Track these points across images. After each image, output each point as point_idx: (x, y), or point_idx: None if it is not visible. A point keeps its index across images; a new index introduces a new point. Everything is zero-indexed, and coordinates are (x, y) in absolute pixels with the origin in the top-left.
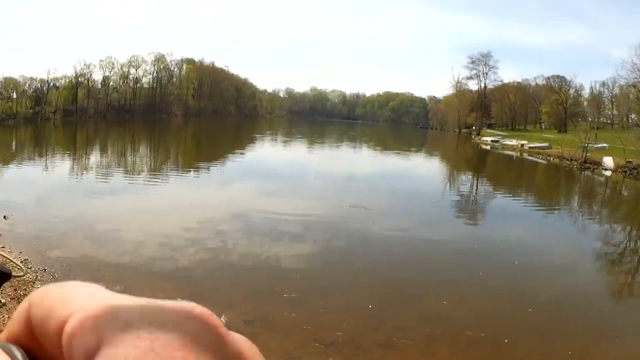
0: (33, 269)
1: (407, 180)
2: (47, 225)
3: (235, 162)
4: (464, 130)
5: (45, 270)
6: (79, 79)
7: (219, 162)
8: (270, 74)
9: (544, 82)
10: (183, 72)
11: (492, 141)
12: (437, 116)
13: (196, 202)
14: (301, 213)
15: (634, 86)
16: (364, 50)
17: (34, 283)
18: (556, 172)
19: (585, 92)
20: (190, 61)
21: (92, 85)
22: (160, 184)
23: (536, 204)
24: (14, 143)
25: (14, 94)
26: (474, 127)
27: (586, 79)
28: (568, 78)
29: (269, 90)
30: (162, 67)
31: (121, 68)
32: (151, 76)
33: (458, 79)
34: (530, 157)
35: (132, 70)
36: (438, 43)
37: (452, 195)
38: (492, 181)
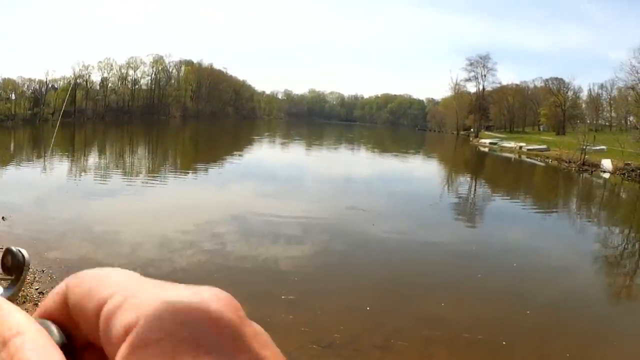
0: (31, 270)
1: (405, 182)
2: (46, 226)
3: (234, 164)
4: (462, 133)
5: (43, 271)
6: (78, 80)
7: (217, 164)
8: (269, 75)
9: (543, 84)
10: (181, 74)
11: (490, 143)
12: (435, 118)
13: (194, 204)
14: (299, 215)
15: (633, 88)
16: (363, 52)
17: (32, 284)
18: (554, 175)
19: (584, 95)
20: (188, 63)
21: (91, 87)
22: (159, 185)
23: (534, 206)
24: (12, 144)
25: (13, 95)
26: (472, 129)
27: (585, 81)
28: (566, 80)
29: (267, 92)
30: (160, 68)
31: (119, 69)
32: (149, 78)
33: (456, 81)
34: (528, 160)
35: (131, 72)
36: (436, 45)
37: (450, 198)
38: (490, 183)
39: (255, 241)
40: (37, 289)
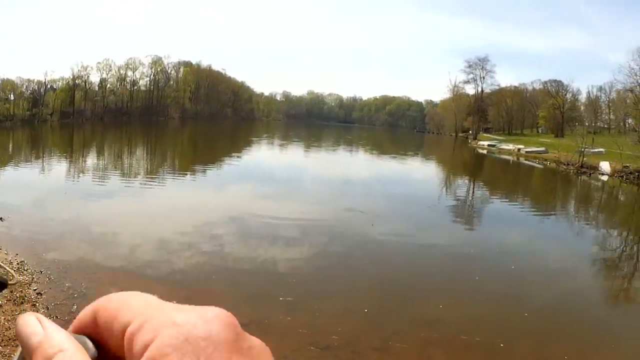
0: (29, 270)
1: (403, 184)
2: (44, 227)
3: (232, 166)
4: (460, 135)
5: (41, 272)
6: (76, 81)
7: (216, 165)
8: (267, 77)
9: (541, 86)
10: (180, 75)
11: (488, 145)
12: (433, 120)
13: (192, 206)
14: (297, 217)
15: (631, 91)
16: (361, 54)
17: (30, 285)
18: (553, 177)
19: (582, 97)
20: (187, 64)
21: (89, 88)
22: (157, 186)
23: (532, 209)
24: (10, 145)
25: (11, 95)
26: (470, 131)
27: (583, 83)
28: (565, 82)
29: (266, 93)
30: (159, 69)
31: (118, 70)
32: (148, 79)
33: (455, 83)
34: (526, 162)
35: (130, 73)
36: (435, 47)
37: (448, 200)
38: (488, 185)
39: (254, 243)
40: (35, 290)
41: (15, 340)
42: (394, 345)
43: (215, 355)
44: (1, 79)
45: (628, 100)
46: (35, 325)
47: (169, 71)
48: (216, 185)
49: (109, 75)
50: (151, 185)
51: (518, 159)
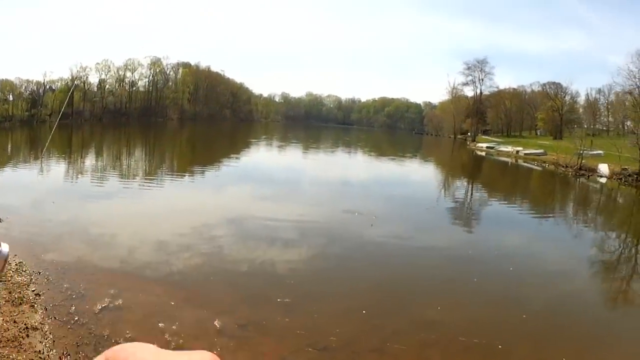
0: (28, 272)
1: (402, 186)
2: (42, 228)
3: (231, 167)
4: (459, 136)
5: (40, 273)
6: (75, 82)
7: (214, 167)
8: (266, 78)
9: (540, 88)
10: (179, 76)
11: (487, 147)
12: (432, 122)
13: (191, 207)
14: (296, 218)
15: (630, 93)
16: (360, 55)
17: (28, 286)
18: (551, 179)
19: (581, 99)
20: (186, 65)
21: (88, 88)
22: (155, 188)
23: (531, 211)
24: (9, 146)
25: (10, 96)
26: (469, 133)
27: (582, 85)
28: (564, 85)
29: (265, 94)
30: (158, 70)
31: (117, 71)
32: (147, 80)
33: (454, 84)
34: (525, 164)
35: (128, 74)
36: (434, 49)
37: (447, 202)
38: (487, 187)
39: (252, 244)
40: (33, 291)
41: (14, 340)
42: (392, 346)
43: None
44: (0, 80)
45: (627, 103)
46: None
47: (167, 72)
48: (215, 186)
49: (107, 76)
50: (150, 186)
51: (517, 161)
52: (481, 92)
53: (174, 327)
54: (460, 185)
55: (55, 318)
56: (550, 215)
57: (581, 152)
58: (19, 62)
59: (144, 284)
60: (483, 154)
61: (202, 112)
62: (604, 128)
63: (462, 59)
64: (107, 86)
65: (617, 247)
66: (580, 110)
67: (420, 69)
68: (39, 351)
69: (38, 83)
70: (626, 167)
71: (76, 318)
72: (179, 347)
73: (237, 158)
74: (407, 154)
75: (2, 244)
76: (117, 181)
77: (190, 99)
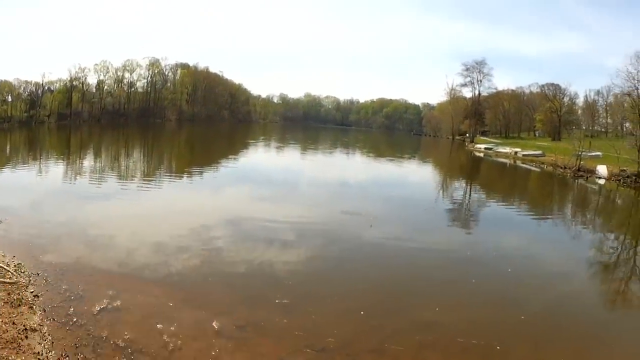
0: (26, 273)
1: (400, 187)
2: (41, 229)
3: (229, 168)
4: (457, 137)
5: (38, 274)
6: (74, 83)
7: (213, 168)
8: (265, 79)
9: (539, 90)
10: (177, 77)
11: (485, 148)
12: (430, 123)
13: (189, 208)
14: (294, 220)
15: (629, 95)
16: (359, 56)
17: (27, 287)
18: (549, 180)
19: (580, 101)
20: (184, 66)
21: (87, 89)
22: (154, 189)
23: (529, 212)
24: (8, 147)
25: (9, 97)
26: (467, 134)
27: (581, 87)
28: (562, 86)
29: (263, 95)
30: (156, 71)
31: (116, 72)
32: (145, 80)
33: (452, 86)
34: (523, 165)
35: (127, 75)
36: (433, 50)
37: (445, 203)
38: (485, 189)
39: (250, 245)
40: (32, 292)
41: (13, 342)
42: (390, 347)
43: None
44: None
45: (625, 104)
46: None
47: (166, 73)
48: (213, 187)
49: (106, 77)
50: (148, 187)
51: (515, 162)
52: (479, 94)
53: (172, 328)
54: (459, 187)
55: (54, 319)
56: (549, 216)
57: (580, 153)
58: (17, 63)
59: (143, 285)
60: (481, 155)
61: (201, 113)
62: (603, 129)
63: (460, 60)
64: (105, 87)
65: (615, 249)
66: (579, 111)
67: (419, 70)
68: (38, 352)
69: (37, 84)
70: (625, 168)
71: (75, 319)
72: (177, 349)
73: (235, 159)
74: (406, 155)
75: None
76: (116, 182)
77: (188, 100)
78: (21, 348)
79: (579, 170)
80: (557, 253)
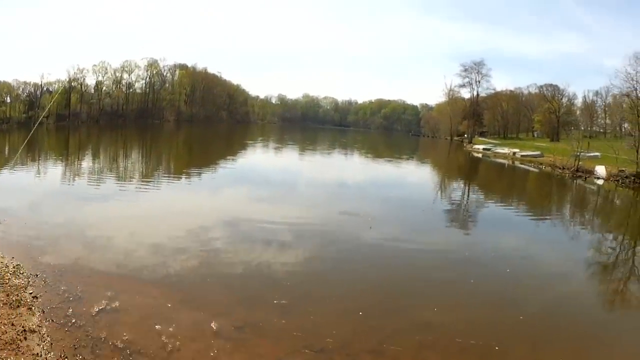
0: (25, 274)
1: (398, 187)
2: (40, 230)
3: (227, 169)
4: (455, 138)
5: (37, 275)
6: (72, 84)
7: (211, 169)
8: (263, 80)
9: (537, 90)
10: (176, 78)
11: (483, 149)
12: (429, 124)
13: (187, 209)
14: (292, 221)
15: (628, 95)
16: (357, 57)
17: (25, 288)
18: (548, 181)
19: (578, 101)
20: (183, 67)
21: (85, 90)
22: (152, 190)
23: (528, 213)
24: (7, 148)
25: (8, 98)
26: (465, 135)
27: (579, 88)
28: (561, 87)
29: (261, 96)
30: (155, 72)
31: (114, 73)
32: (144, 81)
33: (450, 86)
34: (522, 166)
35: (125, 75)
36: (432, 51)
37: (443, 203)
38: (483, 189)
39: (248, 246)
40: (31, 293)
41: (12, 343)
42: (388, 347)
43: None
44: None
45: (624, 105)
46: None
47: (164, 74)
48: (211, 188)
49: (104, 77)
50: (146, 188)
51: (513, 162)
52: (478, 94)
53: (170, 329)
54: (457, 187)
55: (52, 320)
56: (547, 217)
57: (578, 154)
58: (16, 63)
59: (141, 286)
60: (479, 155)
61: (199, 114)
62: (601, 130)
63: (459, 61)
64: (104, 88)
65: (613, 249)
66: (578, 112)
67: (419, 71)
68: (37, 354)
69: (35, 85)
70: (623, 169)
71: (73, 320)
72: (175, 349)
73: (233, 160)
74: (404, 156)
75: None
76: (114, 183)
77: (186, 101)
78: (20, 349)
79: (577, 170)
80: (556, 254)
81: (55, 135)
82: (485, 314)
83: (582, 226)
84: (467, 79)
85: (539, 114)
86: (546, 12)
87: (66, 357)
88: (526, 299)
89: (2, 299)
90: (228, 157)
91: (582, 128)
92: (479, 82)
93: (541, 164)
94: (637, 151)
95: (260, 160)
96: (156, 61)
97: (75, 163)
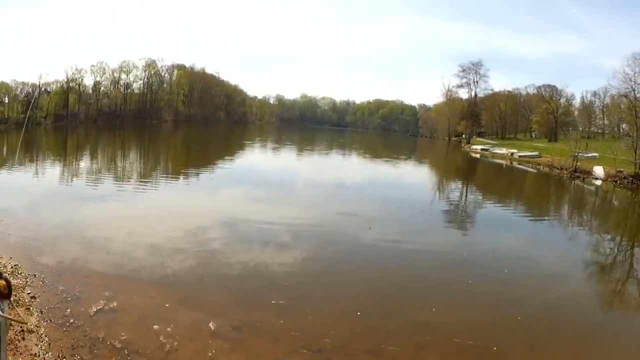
0: (23, 274)
1: (396, 188)
2: (38, 231)
3: (225, 169)
4: (453, 139)
5: (35, 276)
6: (70, 84)
7: (209, 169)
8: (261, 80)
9: (535, 91)
10: (174, 78)
11: (482, 149)
12: (427, 124)
13: (185, 209)
14: (290, 221)
15: (626, 96)
16: (355, 57)
17: (23, 289)
18: (546, 181)
19: (576, 102)
20: (181, 67)
21: (83, 91)
22: (150, 190)
23: (526, 213)
24: (5, 148)
25: (6, 98)
26: (464, 136)
27: (577, 88)
28: (559, 87)
29: (259, 96)
30: (152, 72)
31: (112, 73)
32: (142, 82)
33: (448, 87)
34: (520, 166)
35: (123, 76)
36: (430, 52)
37: (441, 204)
38: (481, 189)
39: (246, 246)
40: (29, 294)
41: (10, 343)
42: (386, 348)
43: None
44: None
45: (622, 106)
46: None
47: (162, 74)
48: (209, 188)
49: (102, 78)
50: (144, 189)
51: (511, 163)
52: (476, 95)
53: (168, 329)
54: (455, 188)
55: (50, 321)
56: (545, 217)
57: (576, 154)
58: (14, 64)
59: (139, 286)
60: (477, 156)
61: (197, 114)
62: (599, 131)
63: (457, 61)
64: (102, 88)
65: (611, 250)
66: (576, 113)
67: (418, 71)
68: (35, 354)
69: (33, 85)
70: (621, 169)
71: (71, 320)
72: (173, 350)
73: (231, 160)
74: (402, 156)
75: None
76: (112, 184)
77: (184, 101)
78: (18, 349)
79: (575, 171)
80: (554, 254)
81: (53, 135)
82: (484, 315)
83: (580, 227)
84: (465, 80)
85: (537, 114)
86: (543, 12)
87: (64, 357)
88: (524, 300)
89: None
90: (226, 158)
91: (580, 129)
92: (477, 82)
93: (539, 164)
94: (635, 152)
95: (258, 160)
96: (154, 61)
97: (73, 163)
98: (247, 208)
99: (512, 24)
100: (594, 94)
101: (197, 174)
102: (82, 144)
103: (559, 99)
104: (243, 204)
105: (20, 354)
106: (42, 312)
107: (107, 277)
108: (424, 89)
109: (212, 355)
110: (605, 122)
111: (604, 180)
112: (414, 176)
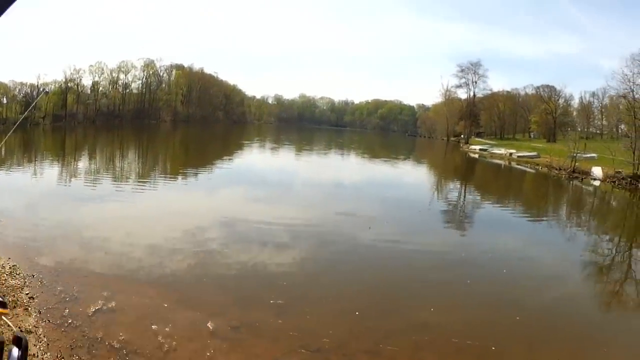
0: (22, 275)
1: (395, 188)
2: (36, 231)
3: (224, 169)
4: (452, 139)
5: (33, 276)
6: (69, 84)
7: (207, 169)
8: (260, 80)
9: (534, 91)
10: (172, 78)
11: (480, 150)
12: (425, 124)
13: (184, 209)
14: (289, 221)
15: (624, 97)
16: (354, 57)
17: (22, 289)
18: (544, 181)
19: (575, 102)
20: (179, 67)
21: (82, 91)
22: (148, 190)
23: (524, 213)
24: (3, 148)
25: (4, 99)
26: (462, 136)
27: (576, 89)
28: (558, 88)
29: (258, 96)
30: (151, 72)
31: (110, 73)
32: (140, 82)
33: (447, 87)
34: (518, 166)
35: (122, 76)
36: (429, 52)
37: (440, 204)
38: (480, 190)
39: (245, 246)
40: (27, 294)
41: (7, 345)
42: (385, 348)
43: None
44: None
45: (621, 106)
46: None
47: (161, 74)
48: (207, 188)
49: (101, 78)
50: (143, 189)
51: (510, 163)
52: (474, 95)
53: (167, 329)
54: (454, 188)
55: (49, 321)
56: (544, 218)
57: (575, 155)
58: (13, 64)
59: (137, 286)
60: (476, 156)
61: (195, 114)
62: (598, 131)
63: (455, 61)
64: (100, 88)
65: (610, 251)
66: (574, 113)
67: (418, 71)
68: (34, 354)
69: (32, 85)
70: (620, 170)
71: (70, 321)
72: (172, 349)
73: (230, 160)
74: (400, 156)
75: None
76: (110, 184)
77: (183, 101)
78: None
79: (574, 171)
80: (552, 255)
81: (52, 135)
82: (482, 315)
83: (579, 227)
84: (463, 80)
85: (535, 114)
86: (543, 12)
87: (63, 358)
88: (523, 300)
89: None
90: (224, 158)
91: (579, 129)
92: (476, 82)
93: (538, 164)
94: (634, 153)
95: (256, 160)
96: (153, 61)
97: (72, 164)
98: (245, 208)
99: (511, 24)
100: (593, 94)
101: (196, 174)
102: (81, 144)
103: (558, 100)
104: (241, 204)
105: None
106: (40, 313)
107: (106, 278)
108: (423, 89)
109: (211, 355)
110: (604, 122)
111: (603, 180)
112: (412, 176)
